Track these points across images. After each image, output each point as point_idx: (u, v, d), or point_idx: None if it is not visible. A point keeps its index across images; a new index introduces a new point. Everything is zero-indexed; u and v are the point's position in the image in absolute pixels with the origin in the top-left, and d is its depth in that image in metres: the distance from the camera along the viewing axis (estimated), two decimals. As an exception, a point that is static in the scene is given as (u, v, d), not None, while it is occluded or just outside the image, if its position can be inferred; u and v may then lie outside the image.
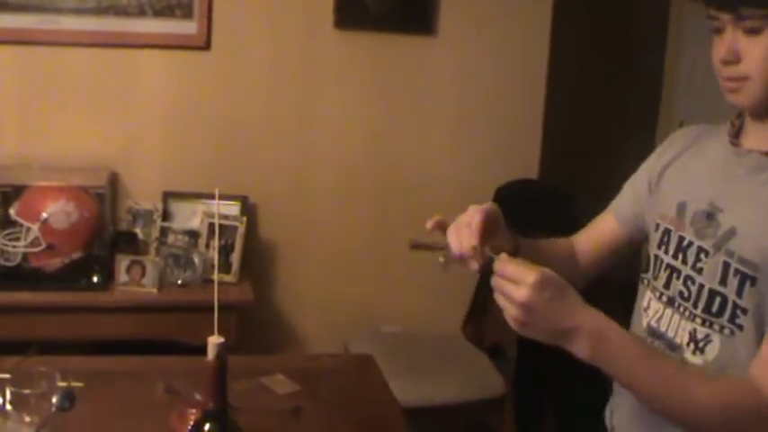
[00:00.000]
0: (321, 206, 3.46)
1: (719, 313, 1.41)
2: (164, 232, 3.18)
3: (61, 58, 3.20)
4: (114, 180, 3.27)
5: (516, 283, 1.26)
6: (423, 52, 3.48)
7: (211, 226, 3.13)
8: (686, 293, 1.48)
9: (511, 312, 1.26)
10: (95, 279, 2.94)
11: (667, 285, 1.53)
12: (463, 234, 1.40)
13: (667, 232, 1.54)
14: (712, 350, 1.42)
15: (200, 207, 3.23)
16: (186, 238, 3.14)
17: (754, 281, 1.36)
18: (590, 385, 2.05)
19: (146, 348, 2.56)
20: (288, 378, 1.95)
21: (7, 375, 1.53)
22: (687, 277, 1.48)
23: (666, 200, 1.57)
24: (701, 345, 1.44)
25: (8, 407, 1.50)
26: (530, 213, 1.83)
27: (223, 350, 1.25)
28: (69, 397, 1.55)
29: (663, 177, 1.61)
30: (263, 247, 3.44)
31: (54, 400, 1.52)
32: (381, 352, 2.55)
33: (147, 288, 2.94)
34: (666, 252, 1.54)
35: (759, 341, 1.34)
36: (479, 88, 3.53)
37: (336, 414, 1.84)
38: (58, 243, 2.87)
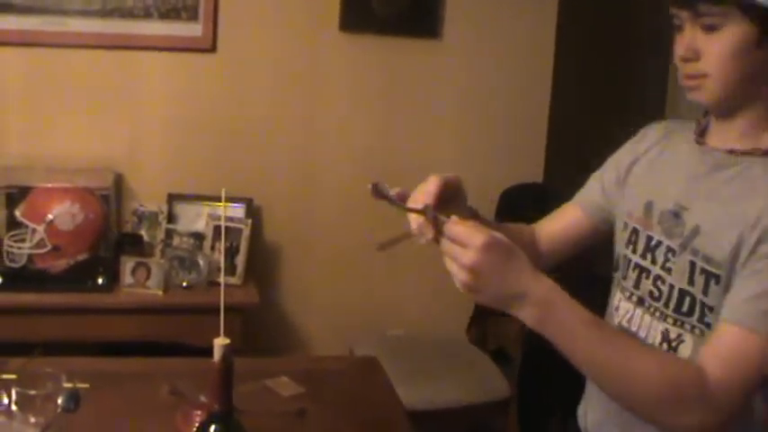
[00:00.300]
0: (326, 209, 3.46)
1: (690, 313, 1.42)
2: (169, 234, 3.18)
3: (66, 59, 3.21)
4: (119, 182, 3.28)
5: (464, 245, 1.22)
6: (428, 56, 3.48)
7: (216, 228, 3.13)
8: (656, 293, 1.48)
9: (459, 276, 1.23)
10: (100, 281, 2.94)
11: (637, 285, 1.53)
12: (418, 197, 1.38)
13: (635, 232, 1.55)
14: (685, 350, 1.43)
15: (205, 209, 3.23)
16: (191, 241, 3.14)
17: (718, 279, 1.37)
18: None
19: (151, 350, 2.56)
20: (292, 380, 1.95)
21: (13, 376, 1.53)
22: (657, 277, 1.49)
23: (634, 198, 1.58)
24: (674, 344, 1.44)
25: (14, 408, 1.50)
26: (535, 216, 1.82)
27: (229, 352, 1.25)
28: (74, 398, 1.55)
29: (631, 173, 1.62)
30: (268, 249, 3.44)
31: (59, 401, 1.52)
32: (386, 355, 2.54)
33: (152, 290, 2.94)
34: (635, 252, 1.54)
35: None
36: (484, 92, 3.53)
37: (341, 416, 1.84)
38: (64, 244, 2.88)
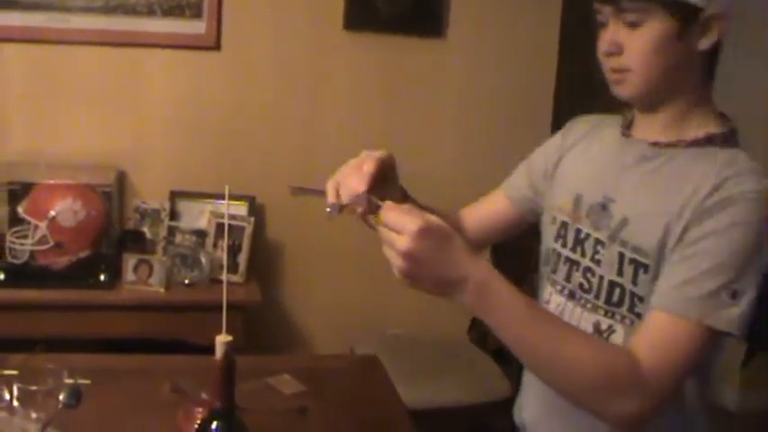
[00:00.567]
0: (328, 207, 3.45)
1: (620, 304, 1.44)
2: (171, 232, 3.18)
3: (70, 56, 3.21)
4: (122, 179, 3.28)
5: (399, 232, 1.19)
6: (432, 55, 3.48)
7: (219, 226, 3.14)
8: (587, 285, 1.50)
9: (396, 263, 1.20)
10: (102, 278, 2.94)
11: (568, 278, 1.55)
12: (352, 179, 1.37)
13: (564, 225, 1.56)
14: (617, 340, 1.45)
15: (208, 207, 3.23)
16: (194, 238, 3.15)
17: (647, 268, 1.39)
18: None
19: (152, 347, 2.56)
20: (294, 378, 1.95)
21: (14, 372, 1.53)
22: (587, 269, 1.50)
23: (563, 191, 1.59)
24: (605, 335, 1.46)
25: (15, 403, 1.50)
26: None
27: (231, 349, 1.25)
28: (76, 394, 1.55)
29: (558, 167, 1.64)
30: (271, 247, 3.44)
31: (61, 397, 1.52)
32: (387, 354, 2.55)
33: (155, 287, 2.94)
34: (564, 245, 1.56)
35: None
36: (487, 91, 3.53)
37: (342, 414, 1.84)
38: (66, 241, 2.88)
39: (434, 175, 3.48)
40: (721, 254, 1.30)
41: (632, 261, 1.41)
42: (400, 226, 1.19)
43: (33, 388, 1.49)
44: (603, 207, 1.48)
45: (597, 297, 1.47)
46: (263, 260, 3.39)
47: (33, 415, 1.49)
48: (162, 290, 2.94)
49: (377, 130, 3.47)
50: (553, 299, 1.58)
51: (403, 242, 1.18)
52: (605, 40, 1.42)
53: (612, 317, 1.45)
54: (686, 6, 1.34)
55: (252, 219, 3.20)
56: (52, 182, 2.95)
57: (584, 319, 1.49)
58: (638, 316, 1.41)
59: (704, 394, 1.48)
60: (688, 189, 1.35)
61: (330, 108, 3.43)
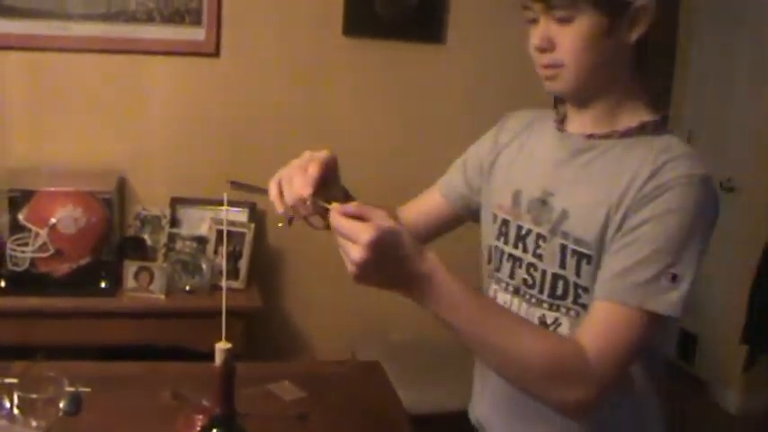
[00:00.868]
0: (329, 213, 3.45)
1: (564, 296, 1.45)
2: (172, 238, 3.18)
3: (70, 63, 3.22)
4: (122, 186, 3.28)
5: (352, 240, 1.20)
6: (432, 60, 3.48)
7: (219, 232, 3.14)
8: (530, 281, 1.51)
9: (349, 268, 1.22)
10: (103, 285, 2.94)
11: (512, 275, 1.56)
12: (297, 181, 1.37)
13: (505, 223, 1.57)
14: (563, 333, 1.46)
15: (208, 213, 3.23)
16: (194, 245, 3.14)
17: (589, 259, 1.40)
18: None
19: (153, 354, 2.56)
20: (295, 385, 1.95)
21: (15, 380, 1.54)
22: (530, 265, 1.51)
23: (501, 190, 1.60)
24: (551, 329, 1.47)
25: (15, 411, 1.50)
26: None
27: (230, 356, 1.25)
28: (76, 402, 1.55)
29: (495, 165, 1.65)
30: (271, 253, 3.44)
31: (61, 404, 1.52)
32: (389, 359, 2.54)
33: (155, 294, 2.94)
34: (506, 243, 1.57)
35: None
36: (488, 96, 3.53)
37: (343, 421, 1.84)
38: (66, 248, 2.88)
39: (434, 179, 3.48)
40: (658, 240, 1.32)
41: (575, 253, 1.42)
42: (353, 235, 1.20)
43: (34, 396, 1.49)
44: (543, 202, 1.49)
45: (541, 291, 1.49)
46: (264, 266, 3.39)
47: (34, 423, 1.49)
48: (163, 297, 2.94)
49: (377, 136, 3.47)
50: (499, 297, 1.58)
51: (356, 253, 1.19)
52: (537, 37, 1.45)
53: (557, 310, 1.46)
54: (614, 1, 1.37)
55: (252, 225, 3.20)
56: (53, 189, 2.95)
57: (530, 315, 1.50)
58: (584, 307, 1.42)
59: (657, 376, 1.49)
60: (625, 178, 1.37)
61: (330, 114, 3.43)
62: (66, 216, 2.88)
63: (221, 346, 1.25)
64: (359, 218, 1.22)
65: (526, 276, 1.52)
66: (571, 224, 1.43)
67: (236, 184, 1.43)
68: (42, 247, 2.86)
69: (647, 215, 1.33)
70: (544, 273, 1.48)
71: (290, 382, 1.96)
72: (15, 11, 3.10)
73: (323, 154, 1.42)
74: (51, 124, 3.24)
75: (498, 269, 1.59)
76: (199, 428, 1.52)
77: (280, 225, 1.39)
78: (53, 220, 2.87)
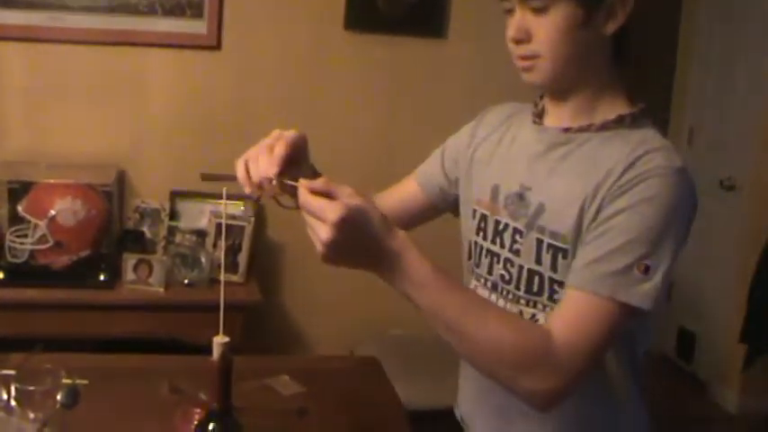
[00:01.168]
0: (329, 207, 3.45)
1: (539, 292, 1.44)
2: (171, 231, 3.18)
3: (70, 55, 3.21)
4: (122, 178, 3.28)
5: (320, 219, 1.18)
6: (433, 55, 3.47)
7: (219, 226, 3.13)
8: (507, 277, 1.50)
9: (318, 248, 1.21)
10: (102, 277, 2.94)
11: (490, 271, 1.55)
12: (263, 160, 1.36)
13: (484, 218, 1.57)
14: None
15: (208, 207, 3.23)
16: (194, 238, 3.14)
17: (565, 253, 1.39)
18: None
19: (151, 347, 2.56)
20: (293, 379, 1.95)
21: (12, 372, 1.53)
22: (507, 260, 1.51)
23: (480, 185, 1.59)
24: None
25: (13, 403, 1.50)
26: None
27: (228, 350, 1.24)
28: (74, 394, 1.55)
29: (474, 160, 1.64)
30: (271, 247, 3.44)
31: (58, 397, 1.52)
32: (388, 355, 2.54)
33: (154, 287, 2.93)
34: (485, 238, 1.56)
35: None
36: (490, 91, 3.51)
37: (341, 416, 1.83)
38: (66, 240, 2.88)
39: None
40: (632, 230, 1.30)
41: (550, 247, 1.41)
42: (321, 214, 1.19)
43: (31, 388, 1.49)
44: (521, 196, 1.49)
45: (518, 287, 1.48)
46: (264, 260, 3.39)
47: (31, 415, 1.49)
48: (162, 290, 2.94)
49: (378, 130, 3.46)
50: (479, 292, 1.58)
51: (324, 232, 1.18)
52: (513, 27, 1.42)
53: (534, 306, 1.45)
54: None
55: (252, 219, 3.19)
56: (52, 181, 2.94)
57: (508, 311, 1.49)
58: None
59: (635, 372, 1.48)
60: (601, 171, 1.36)
61: (331, 108, 3.43)
62: (65, 208, 2.88)
63: (219, 339, 1.24)
64: (326, 195, 1.20)
65: (503, 272, 1.51)
66: (547, 218, 1.43)
67: (206, 177, 1.42)
68: (41, 239, 2.86)
69: (622, 205, 1.32)
70: (521, 268, 1.47)
71: (288, 376, 1.96)
72: (15, 2, 3.09)
73: (291, 133, 1.43)
74: (51, 116, 3.24)
75: (477, 265, 1.58)
76: (196, 422, 1.52)
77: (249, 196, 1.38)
78: (52, 212, 2.86)
